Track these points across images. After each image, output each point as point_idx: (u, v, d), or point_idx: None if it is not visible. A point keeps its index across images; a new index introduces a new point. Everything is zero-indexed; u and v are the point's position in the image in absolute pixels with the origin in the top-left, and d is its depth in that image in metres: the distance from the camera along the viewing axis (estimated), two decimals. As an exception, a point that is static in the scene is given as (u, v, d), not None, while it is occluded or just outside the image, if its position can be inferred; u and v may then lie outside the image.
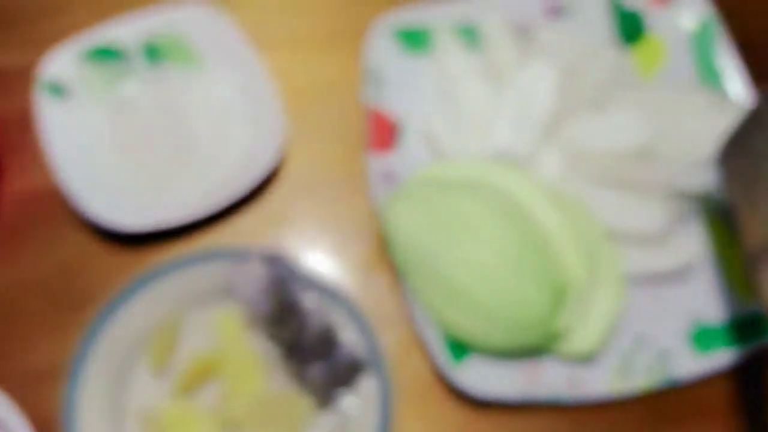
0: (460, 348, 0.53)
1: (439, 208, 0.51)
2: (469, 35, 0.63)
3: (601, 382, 0.54)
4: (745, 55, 0.63)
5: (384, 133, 0.59)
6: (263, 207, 0.59)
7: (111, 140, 0.58)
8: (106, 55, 0.59)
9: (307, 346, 0.52)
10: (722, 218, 0.60)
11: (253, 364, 0.52)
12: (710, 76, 0.63)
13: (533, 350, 0.53)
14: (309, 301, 0.52)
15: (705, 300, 0.58)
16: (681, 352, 0.56)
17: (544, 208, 0.52)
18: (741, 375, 0.57)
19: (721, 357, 0.55)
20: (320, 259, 0.58)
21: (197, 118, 0.59)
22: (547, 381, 0.54)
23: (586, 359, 0.54)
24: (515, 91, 0.59)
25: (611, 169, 0.57)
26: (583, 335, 0.52)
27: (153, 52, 0.60)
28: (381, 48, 0.61)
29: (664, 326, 0.56)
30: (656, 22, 0.65)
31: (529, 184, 0.54)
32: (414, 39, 0.62)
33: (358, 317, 0.52)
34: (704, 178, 0.57)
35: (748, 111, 0.53)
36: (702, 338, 0.56)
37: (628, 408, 0.55)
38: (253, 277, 0.52)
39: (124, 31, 0.59)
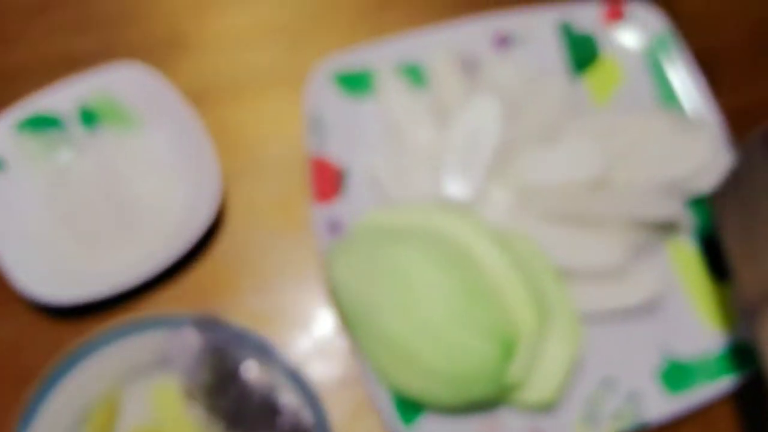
0: (412, 407, 0.50)
1: (379, 260, 0.49)
2: (414, 74, 0.61)
3: (566, 429, 0.51)
4: (704, 69, 0.60)
5: (328, 180, 0.57)
6: (205, 265, 0.57)
7: (49, 211, 0.56)
8: (41, 124, 0.58)
9: (249, 416, 0.49)
10: (688, 245, 0.56)
11: (194, 438, 0.50)
12: (669, 95, 0.61)
13: (489, 403, 0.50)
14: (249, 367, 0.50)
15: (674, 335, 0.54)
16: (651, 393, 0.52)
17: (491, 253, 0.50)
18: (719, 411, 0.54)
19: (695, 395, 0.52)
20: (262, 320, 0.55)
21: (136, 180, 0.57)
22: (507, 435, 0.51)
23: (547, 408, 0.51)
24: (460, 128, 0.56)
25: (564, 204, 0.54)
26: (539, 384, 0.49)
27: (89, 117, 0.59)
28: (321, 94, 0.59)
29: (632, 366, 0.53)
30: (610, 42, 0.62)
31: (475, 228, 0.51)
32: (355, 82, 0.60)
33: (302, 382, 0.50)
34: (666, 204, 0.54)
35: (737, 158, 0.49)
36: (673, 376, 0.53)
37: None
38: (189, 345, 0.50)
39: (58, 98, 0.58)
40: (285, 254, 0.58)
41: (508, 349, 0.47)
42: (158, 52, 0.64)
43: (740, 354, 0.53)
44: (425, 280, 0.47)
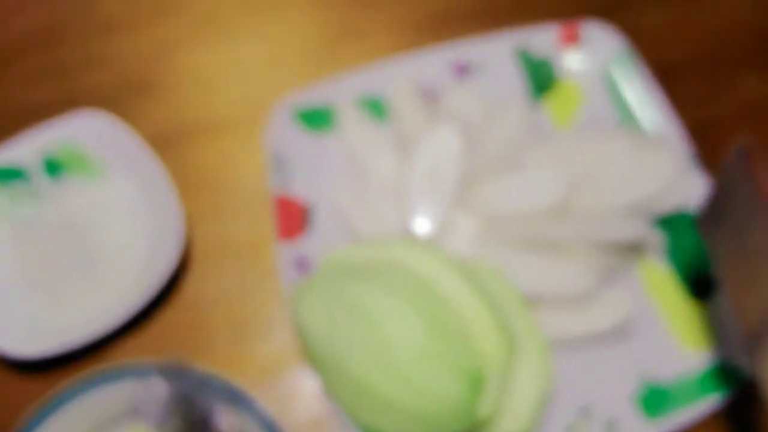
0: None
1: (343, 299, 0.48)
2: (376, 107, 0.61)
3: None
4: (665, 85, 0.60)
5: (293, 218, 0.57)
6: (173, 311, 0.56)
7: (13, 264, 0.56)
8: (5, 176, 0.58)
9: (220, 463, 0.49)
10: (660, 265, 0.56)
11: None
12: (629, 114, 0.60)
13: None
14: (220, 415, 0.49)
15: (651, 358, 0.53)
16: (630, 419, 0.51)
17: (456, 286, 0.49)
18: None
19: (675, 418, 0.51)
20: (232, 365, 0.55)
21: (99, 228, 0.57)
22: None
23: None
24: (421, 159, 0.56)
25: (529, 231, 0.54)
26: (512, 416, 0.48)
27: (53, 167, 0.59)
28: (282, 131, 0.59)
29: (609, 393, 0.52)
30: (567, 65, 0.62)
31: (440, 261, 0.50)
32: (316, 118, 0.60)
33: (274, 429, 0.49)
34: (631, 226, 0.54)
35: (718, 179, 0.47)
36: (651, 400, 0.52)
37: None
38: (157, 394, 0.49)
39: (22, 149, 0.58)
40: (254, 295, 0.57)
41: (476, 385, 0.46)
42: (120, 97, 0.64)
43: (719, 374, 0.52)
44: (390, 320, 0.46)
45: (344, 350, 0.47)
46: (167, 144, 0.61)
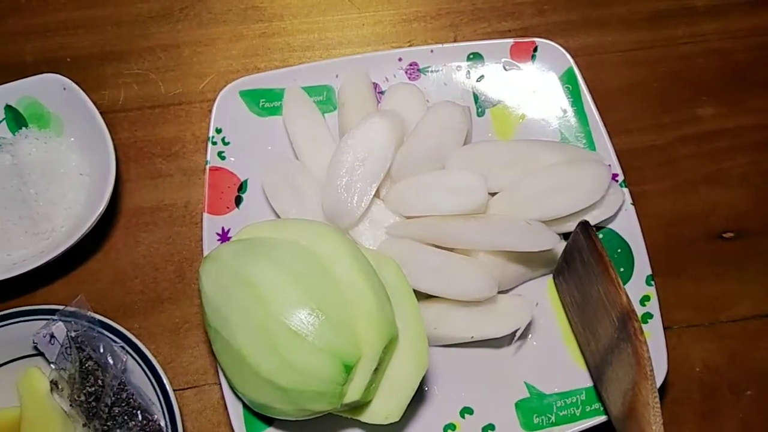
0: (260, 420, 0.51)
1: (235, 270, 0.50)
2: (324, 95, 0.63)
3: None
4: (601, 107, 0.61)
5: (224, 192, 0.59)
6: (97, 264, 0.60)
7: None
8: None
9: (105, 411, 0.51)
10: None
11: (52, 427, 0.51)
12: (568, 132, 0.61)
13: (336, 420, 0.51)
14: (110, 364, 0.52)
15: (540, 370, 0.54)
16: (507, 426, 0.52)
17: (350, 273, 0.50)
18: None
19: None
20: (142, 320, 0.58)
21: (45, 179, 0.60)
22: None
23: (387, 426, 0.50)
24: (350, 148, 0.58)
25: (439, 232, 0.55)
26: (384, 402, 0.50)
27: (16, 119, 0.63)
28: (227, 110, 0.61)
29: (492, 398, 0.53)
30: (518, 80, 0.63)
31: (341, 247, 0.51)
32: (264, 102, 0.62)
33: (160, 383, 0.51)
34: (541, 237, 0.54)
35: (566, 247, 0.54)
36: (533, 412, 0.52)
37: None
38: (57, 336, 0.53)
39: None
40: (176, 260, 0.60)
41: (346, 369, 0.47)
42: (91, 64, 0.68)
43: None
44: (271, 293, 0.48)
45: (228, 319, 0.49)
46: (125, 111, 0.65)
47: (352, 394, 0.48)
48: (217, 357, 0.51)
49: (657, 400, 0.46)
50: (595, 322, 0.51)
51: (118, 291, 0.59)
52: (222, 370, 0.51)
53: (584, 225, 0.51)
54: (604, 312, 0.50)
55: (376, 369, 0.48)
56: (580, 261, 0.52)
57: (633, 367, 0.47)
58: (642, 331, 0.47)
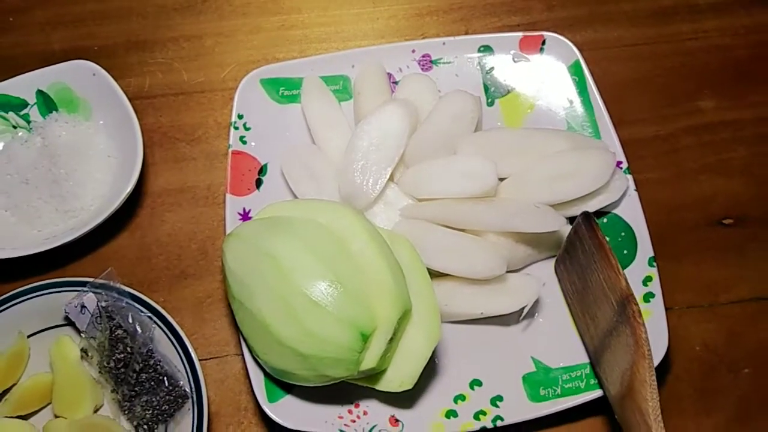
0: (280, 385, 0.54)
1: (258, 246, 0.52)
2: (344, 87, 0.66)
3: (426, 422, 0.54)
4: (606, 99, 0.63)
5: (245, 174, 0.62)
6: (125, 241, 0.63)
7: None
8: (6, 103, 0.66)
9: (133, 378, 0.54)
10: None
11: (81, 392, 0.54)
12: (576, 122, 0.63)
13: (352, 387, 0.54)
14: (139, 332, 0.55)
15: (546, 345, 0.57)
16: (516, 398, 0.54)
17: (367, 249, 0.52)
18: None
19: (558, 404, 0.54)
20: (168, 294, 0.61)
21: (74, 160, 0.63)
22: (368, 419, 0.54)
23: (401, 395, 0.53)
24: (366, 134, 0.60)
25: (450, 213, 0.58)
26: (396, 372, 0.52)
27: (47, 103, 0.66)
28: (249, 96, 0.64)
29: (501, 371, 0.56)
30: (527, 72, 0.66)
31: (359, 225, 0.54)
32: (284, 89, 0.65)
33: (186, 352, 0.54)
34: (549, 220, 0.57)
35: (568, 236, 0.56)
36: (538, 384, 0.55)
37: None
38: (88, 306, 0.55)
39: (24, 84, 0.66)
40: (199, 239, 0.63)
41: (363, 338, 0.50)
42: (119, 51, 0.71)
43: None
44: (295, 267, 0.50)
45: (251, 291, 0.51)
46: (150, 98, 0.68)
47: (368, 361, 0.50)
48: (240, 327, 0.54)
49: (654, 378, 0.48)
50: (595, 307, 0.53)
51: (144, 267, 0.62)
52: (245, 339, 0.54)
53: (586, 215, 0.54)
54: (604, 297, 0.52)
55: (391, 339, 0.51)
56: (582, 250, 0.54)
57: (631, 347, 0.49)
58: (640, 314, 0.49)
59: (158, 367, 0.54)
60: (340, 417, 0.54)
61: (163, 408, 0.54)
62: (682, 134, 0.68)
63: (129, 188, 0.60)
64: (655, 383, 0.48)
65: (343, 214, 0.55)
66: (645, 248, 0.58)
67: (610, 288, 0.51)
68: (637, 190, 0.60)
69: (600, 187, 0.59)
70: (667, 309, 0.56)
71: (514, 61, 0.66)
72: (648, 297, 0.57)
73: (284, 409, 0.53)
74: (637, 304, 0.49)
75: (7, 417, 0.54)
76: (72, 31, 0.72)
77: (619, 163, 0.61)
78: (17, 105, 0.66)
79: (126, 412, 0.54)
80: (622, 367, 0.50)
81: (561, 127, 0.64)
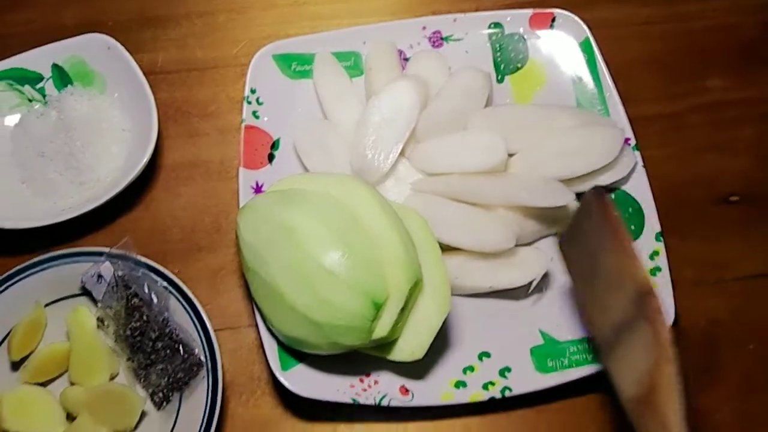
0: (293, 354, 0.55)
1: (273, 217, 0.53)
2: (355, 63, 0.67)
3: (435, 392, 0.55)
4: (615, 77, 0.64)
5: (258, 148, 0.63)
6: (139, 214, 0.64)
7: (9, 147, 0.64)
8: (22, 77, 0.66)
9: (149, 347, 0.55)
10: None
11: (98, 360, 0.55)
12: (584, 99, 0.64)
13: (364, 357, 0.55)
14: (154, 302, 0.56)
15: (553, 318, 0.57)
16: (524, 370, 0.55)
17: (379, 221, 0.53)
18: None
19: (564, 376, 0.55)
20: (182, 266, 0.62)
21: (89, 133, 0.64)
22: (379, 388, 0.55)
23: (411, 365, 0.54)
24: (377, 109, 0.61)
25: (460, 188, 0.59)
26: (407, 342, 0.53)
27: (62, 76, 0.67)
28: (262, 71, 0.65)
29: (509, 343, 0.57)
30: (536, 48, 0.66)
31: (370, 198, 0.55)
32: (296, 65, 0.66)
33: (201, 321, 0.55)
34: (557, 194, 0.57)
35: (575, 213, 0.54)
36: (545, 356, 0.56)
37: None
38: (104, 276, 0.56)
39: (39, 58, 0.67)
40: (213, 212, 0.64)
41: (375, 306, 0.51)
42: (134, 26, 0.72)
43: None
44: (309, 237, 0.51)
45: (266, 260, 0.52)
46: (164, 74, 0.69)
47: (380, 330, 0.51)
48: (255, 297, 0.55)
49: (680, 386, 0.42)
50: (606, 296, 0.49)
51: (158, 239, 0.63)
52: (259, 309, 0.55)
53: (596, 190, 0.50)
54: (618, 286, 0.48)
55: (403, 309, 0.52)
56: (590, 229, 0.51)
57: (651, 348, 0.44)
58: (661, 311, 0.44)
59: (174, 335, 0.55)
60: (352, 386, 0.55)
61: (178, 376, 0.55)
62: (690, 113, 0.68)
63: (144, 160, 0.61)
64: (682, 391, 0.42)
65: (356, 187, 0.56)
66: (652, 223, 0.59)
67: (625, 276, 0.47)
68: (645, 166, 0.61)
69: (608, 163, 0.59)
70: (673, 285, 0.57)
71: (524, 38, 0.67)
72: (655, 271, 0.57)
73: (297, 377, 0.54)
74: (657, 300, 0.44)
75: (25, 383, 0.55)
76: (85, 7, 0.73)
77: (627, 139, 0.61)
78: (33, 78, 0.67)
79: (141, 380, 0.55)
80: (641, 367, 0.44)
81: (570, 103, 0.64)
